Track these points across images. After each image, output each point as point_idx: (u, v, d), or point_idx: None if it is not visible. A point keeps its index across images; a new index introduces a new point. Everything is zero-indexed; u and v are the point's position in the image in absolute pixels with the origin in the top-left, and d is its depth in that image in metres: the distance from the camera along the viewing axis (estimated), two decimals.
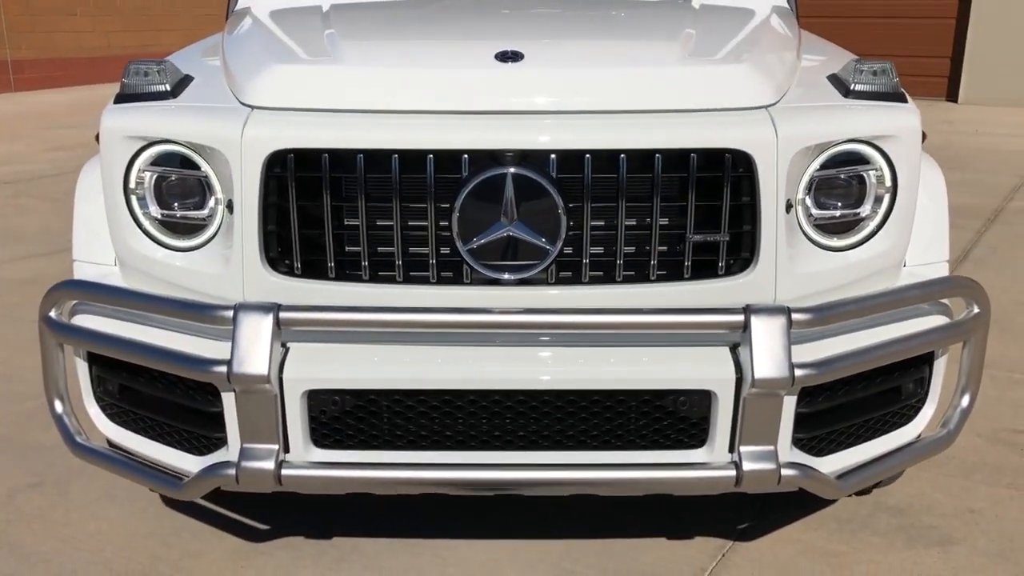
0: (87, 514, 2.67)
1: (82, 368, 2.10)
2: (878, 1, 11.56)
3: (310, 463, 1.89)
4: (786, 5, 3.03)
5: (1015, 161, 7.86)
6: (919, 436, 2.12)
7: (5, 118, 10.88)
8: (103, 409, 2.13)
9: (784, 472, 1.87)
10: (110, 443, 2.17)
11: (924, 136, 2.12)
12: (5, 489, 2.80)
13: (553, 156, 1.84)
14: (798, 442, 1.95)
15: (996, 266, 5.08)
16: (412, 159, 1.85)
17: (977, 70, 11.32)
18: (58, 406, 2.11)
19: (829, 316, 1.87)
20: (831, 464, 2.00)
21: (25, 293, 4.68)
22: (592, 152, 1.84)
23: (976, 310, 2.03)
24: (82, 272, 2.19)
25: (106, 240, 2.17)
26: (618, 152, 1.84)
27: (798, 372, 1.79)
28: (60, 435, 2.13)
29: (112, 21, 14.50)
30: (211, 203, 1.97)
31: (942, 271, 2.17)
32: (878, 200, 2.01)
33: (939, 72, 11.62)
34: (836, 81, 2.11)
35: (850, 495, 2.72)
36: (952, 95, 11.54)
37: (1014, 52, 11.05)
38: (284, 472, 1.86)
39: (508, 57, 1.96)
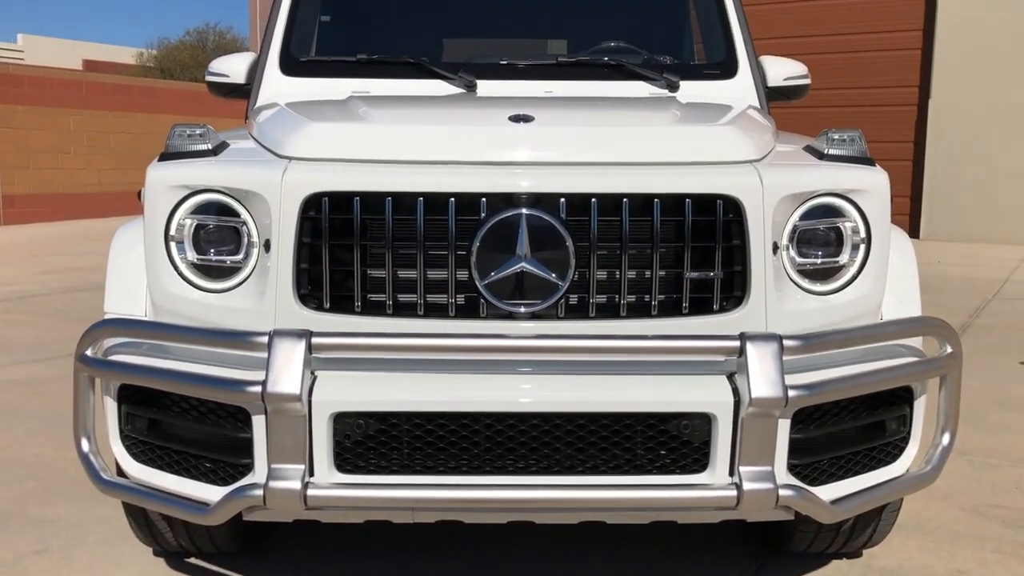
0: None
1: (111, 407, 2.20)
2: None
3: (333, 484, 1.98)
4: (758, 107, 3.34)
5: (975, 287, 8.23)
6: (905, 473, 2.25)
7: None
8: (127, 448, 2.21)
9: (782, 492, 1.98)
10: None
11: (892, 198, 2.35)
12: (11, 554, 2.82)
13: (562, 200, 2.04)
14: (793, 468, 2.07)
15: (966, 372, 5.27)
16: (435, 202, 2.04)
17: (935, 210, 11.96)
18: (85, 445, 2.19)
19: (817, 343, 2.03)
20: (825, 493, 2.11)
21: (20, 392, 4.75)
22: (598, 196, 2.04)
23: (949, 349, 2.21)
24: None
25: (137, 294, 2.31)
26: (621, 196, 2.04)
27: (791, 393, 1.94)
28: (86, 473, 2.20)
29: (104, 159, 14.98)
30: (244, 247, 2.14)
31: None
32: (855, 249, 2.21)
33: (902, 211, 12.24)
34: (811, 149, 2.36)
35: (841, 557, 2.82)
36: (915, 232, 12.10)
37: (964, 195, 11.72)
38: (310, 493, 1.95)
39: (521, 119, 2.19)
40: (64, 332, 6.13)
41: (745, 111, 2.74)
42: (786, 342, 1.98)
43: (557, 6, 3.94)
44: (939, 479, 3.52)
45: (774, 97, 3.57)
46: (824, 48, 12.37)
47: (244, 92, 3.56)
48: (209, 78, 3.61)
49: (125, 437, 2.21)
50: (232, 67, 3.54)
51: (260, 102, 3.32)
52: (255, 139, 2.41)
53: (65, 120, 14.43)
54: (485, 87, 3.21)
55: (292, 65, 3.39)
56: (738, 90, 3.37)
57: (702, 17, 3.69)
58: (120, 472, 2.25)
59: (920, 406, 2.26)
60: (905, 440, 2.26)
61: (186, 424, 2.13)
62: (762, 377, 1.93)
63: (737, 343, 1.96)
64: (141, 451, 2.21)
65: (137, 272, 2.31)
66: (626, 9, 3.93)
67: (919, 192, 12.07)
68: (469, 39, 3.96)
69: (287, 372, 1.92)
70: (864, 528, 2.61)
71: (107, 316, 2.37)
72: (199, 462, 2.13)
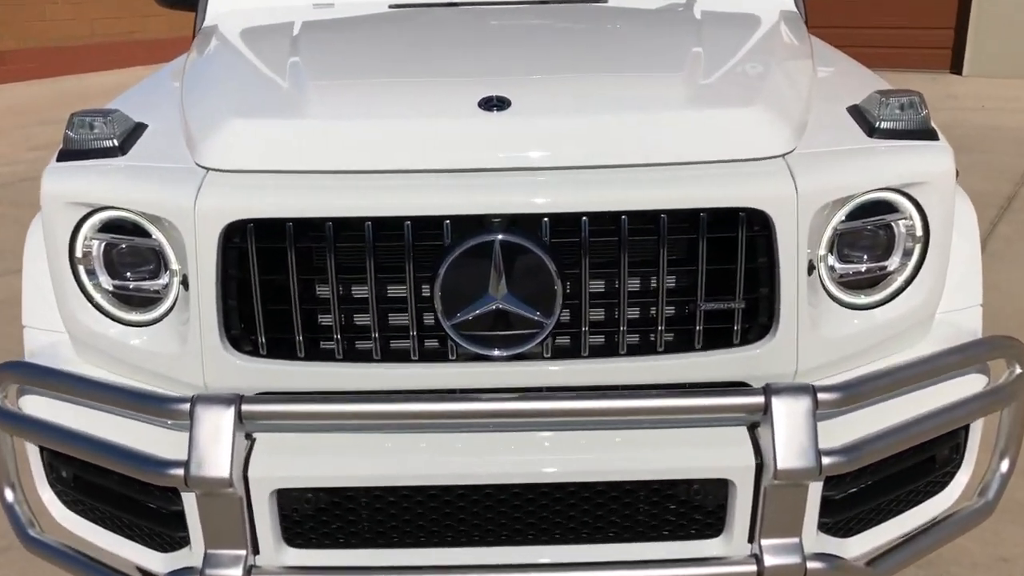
0: None
1: (33, 453, 1.91)
2: None
3: (283, 567, 1.70)
4: (794, 9, 2.81)
5: (1022, 139, 7.60)
6: (953, 506, 1.93)
7: None
8: (58, 495, 1.93)
9: (810, 565, 1.67)
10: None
11: (958, 173, 1.91)
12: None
13: (546, 219, 1.63)
14: (824, 526, 1.76)
15: (1012, 260, 4.87)
16: (387, 226, 1.64)
17: (982, 41, 11.02)
18: (8, 495, 1.91)
19: (859, 393, 1.66)
20: (859, 545, 1.81)
21: (2, 315, 4.48)
22: (589, 214, 1.63)
23: (1018, 371, 1.83)
24: (33, 341, 1.98)
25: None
26: (619, 213, 1.63)
27: (826, 460, 1.59)
28: (11, 527, 1.94)
29: (95, 8, 14.18)
30: (166, 274, 1.77)
31: (975, 316, 1.97)
32: (907, 253, 1.80)
33: (943, 44, 11.34)
34: (858, 115, 1.89)
35: None
36: (956, 67, 11.24)
37: (1012, 27, 10.73)
38: None
39: (493, 104, 1.74)
40: None
41: (779, 41, 2.26)
42: (821, 395, 1.61)
43: None
44: None
45: None
46: None
47: (193, 2, 3.11)
48: None
49: (53, 485, 1.93)
50: None
51: (208, 20, 2.87)
52: (183, 115, 1.96)
53: None
54: None
55: None
56: None
57: None
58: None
59: (976, 429, 1.91)
60: (956, 467, 1.92)
61: (112, 486, 1.83)
62: (790, 442, 1.58)
63: (761, 399, 1.60)
64: (73, 500, 1.93)
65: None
66: None
67: (965, 24, 11.12)
68: None
69: (214, 450, 1.59)
70: None
71: (25, 329, 2.04)
72: (134, 524, 1.85)
